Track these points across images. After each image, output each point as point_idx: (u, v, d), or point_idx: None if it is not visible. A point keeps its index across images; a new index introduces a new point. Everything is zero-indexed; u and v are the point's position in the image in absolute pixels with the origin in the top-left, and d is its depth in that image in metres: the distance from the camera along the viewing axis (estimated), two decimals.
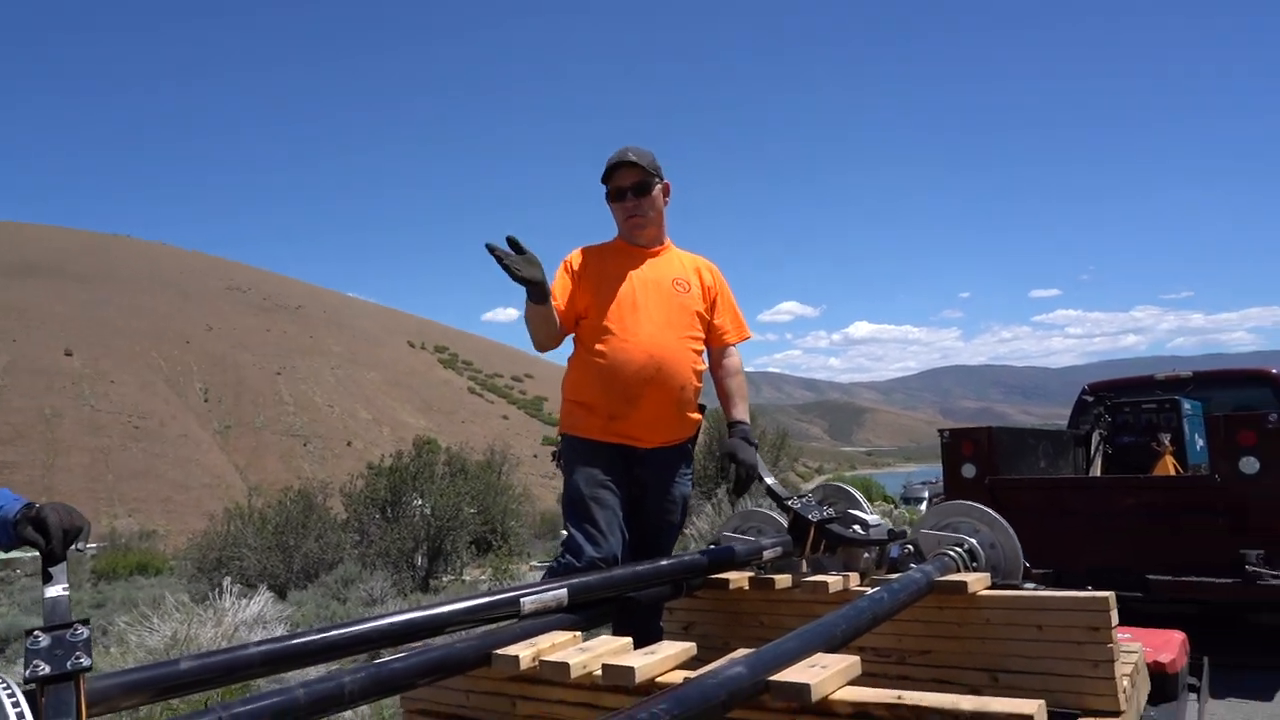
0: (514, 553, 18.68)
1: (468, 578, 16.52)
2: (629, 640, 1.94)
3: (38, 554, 1.71)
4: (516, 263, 2.55)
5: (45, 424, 72.05)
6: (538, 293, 2.65)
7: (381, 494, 17.73)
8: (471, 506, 18.58)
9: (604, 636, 2.05)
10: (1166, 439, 6.46)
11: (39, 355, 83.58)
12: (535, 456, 74.74)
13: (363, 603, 11.88)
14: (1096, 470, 6.79)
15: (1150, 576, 4.83)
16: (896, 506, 23.86)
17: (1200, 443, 6.56)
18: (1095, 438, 6.92)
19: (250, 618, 6.45)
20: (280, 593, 12.79)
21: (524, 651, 1.91)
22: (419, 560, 16.55)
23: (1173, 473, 6.22)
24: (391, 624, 1.99)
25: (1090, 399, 7.26)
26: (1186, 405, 6.70)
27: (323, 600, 11.96)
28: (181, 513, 62.60)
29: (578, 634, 2.07)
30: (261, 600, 6.92)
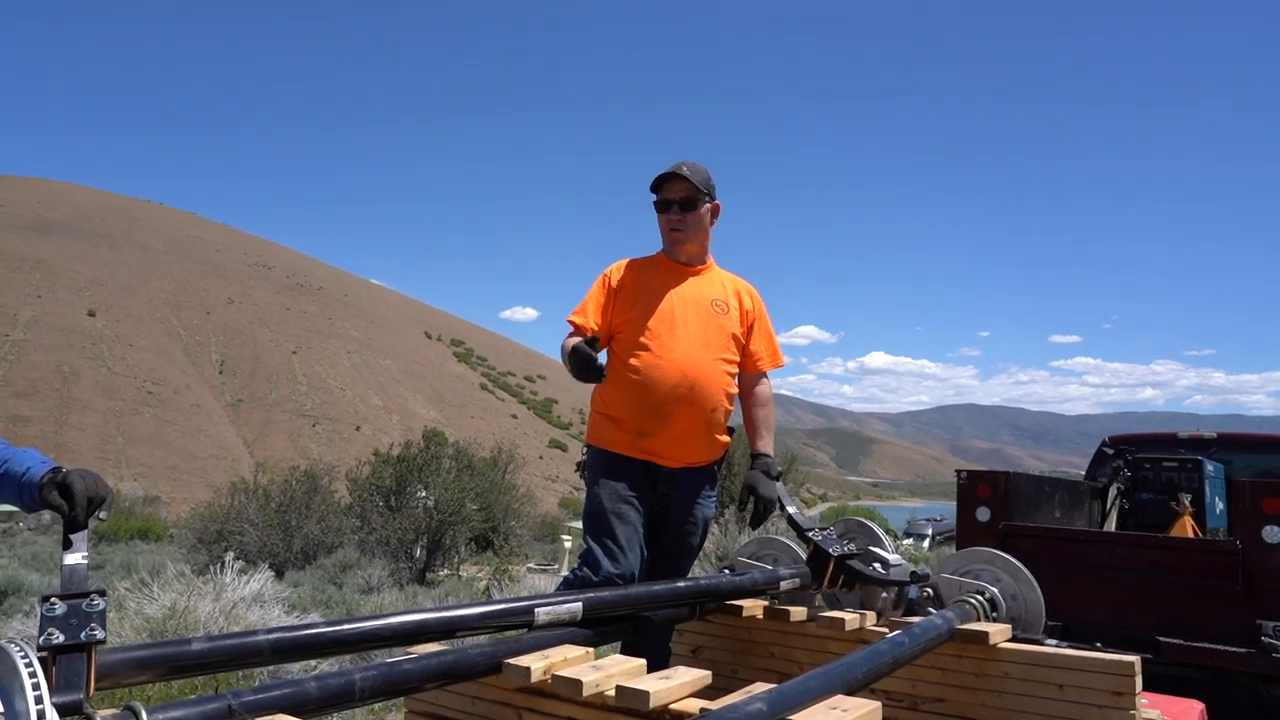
0: (514, 553, 18.65)
1: (465, 574, 16.50)
2: (643, 662, 1.90)
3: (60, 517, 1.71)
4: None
5: (62, 381, 72.75)
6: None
7: (387, 482, 17.76)
8: (474, 503, 18.56)
9: (617, 656, 2.01)
10: (1187, 499, 6.36)
11: (62, 313, 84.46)
12: (541, 458, 74.81)
13: (359, 589, 11.88)
14: (1112, 525, 6.69)
15: (1163, 639, 4.74)
16: (898, 540, 23.69)
17: (1220, 506, 6.46)
18: (1113, 491, 6.83)
19: (249, 595, 6.45)
20: (278, 572, 12.81)
21: (536, 663, 1.88)
22: (418, 552, 16.54)
23: (1191, 535, 6.12)
24: (404, 623, 1.96)
25: (1110, 451, 7.16)
26: (1209, 467, 6.60)
27: (319, 584, 11.97)
28: (187, 481, 62.99)
29: (591, 650, 2.03)
30: (261, 579, 6.93)
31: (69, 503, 1.67)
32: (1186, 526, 6.19)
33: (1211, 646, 4.65)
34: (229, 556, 7.11)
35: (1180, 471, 6.64)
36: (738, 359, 2.96)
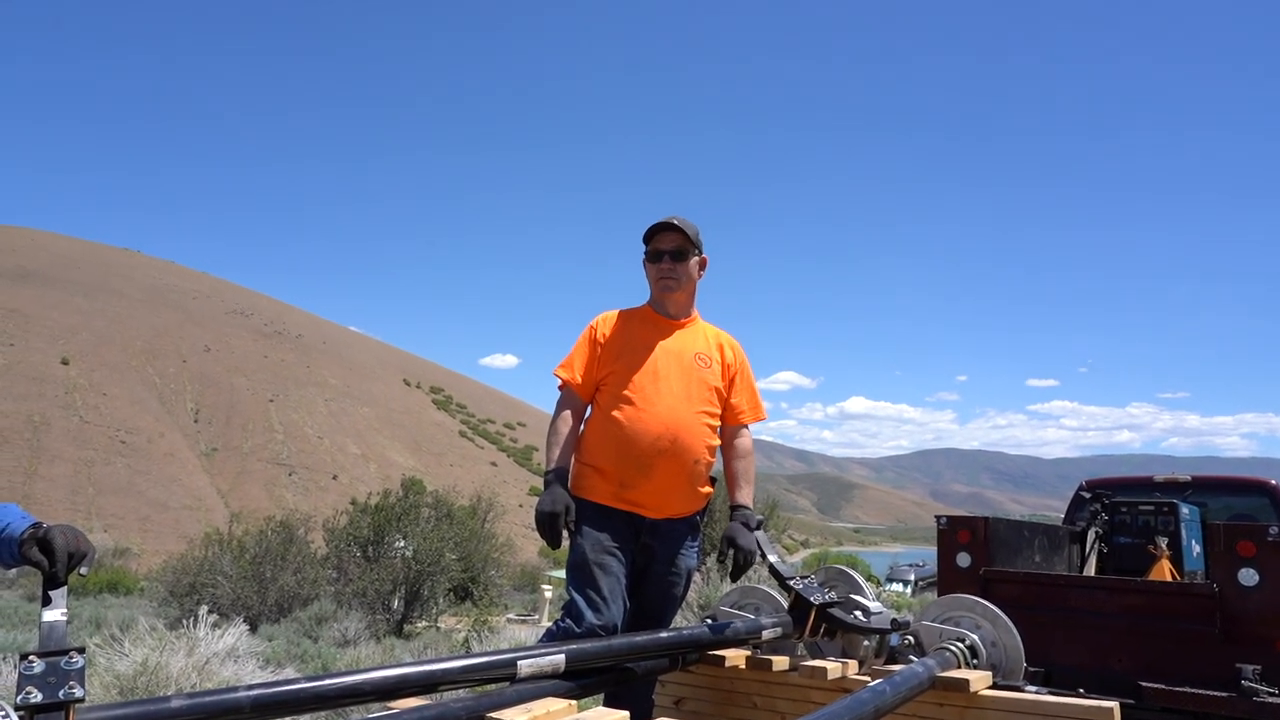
0: (492, 603, 18.38)
1: (443, 626, 16.22)
2: (626, 714, 1.90)
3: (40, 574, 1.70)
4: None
5: (33, 430, 71.49)
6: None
7: (364, 532, 17.52)
8: (453, 553, 18.32)
9: (600, 709, 2.01)
10: (1164, 543, 6.41)
11: (35, 361, 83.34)
12: (521, 506, 74.04)
13: (335, 643, 11.65)
14: (1091, 569, 6.72)
15: (1144, 684, 4.75)
16: (880, 586, 23.59)
17: (1197, 549, 6.51)
18: (1091, 535, 6.87)
19: (223, 650, 6.31)
20: (252, 625, 12.54)
21: (519, 717, 1.88)
22: (396, 603, 16.26)
23: (1169, 578, 6.16)
24: (385, 677, 1.96)
25: (1087, 495, 7.22)
26: (1184, 510, 6.66)
27: (294, 637, 11.73)
28: (159, 532, 61.75)
29: (574, 703, 2.03)
30: (236, 633, 6.79)
31: (49, 559, 1.67)
32: (1164, 570, 6.23)
33: (1192, 691, 4.65)
34: (202, 610, 6.97)
35: (1156, 515, 6.70)
36: (719, 412, 2.99)
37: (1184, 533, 6.53)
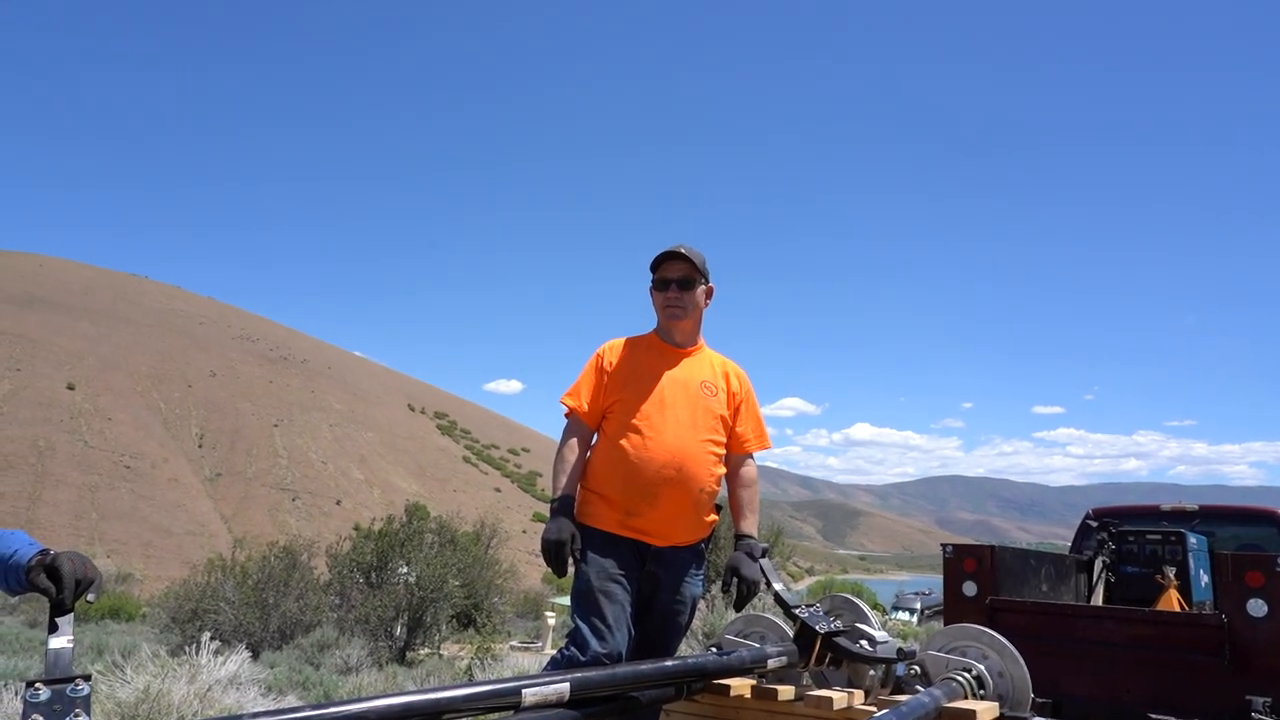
0: (496, 630, 18.26)
1: (446, 653, 16.11)
2: None
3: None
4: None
5: (37, 455, 71.56)
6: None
7: (367, 558, 17.47)
8: (457, 579, 18.25)
9: None
10: (1172, 572, 6.37)
11: (41, 386, 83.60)
12: (524, 532, 73.77)
13: (337, 670, 11.58)
14: (1099, 599, 6.68)
15: (1153, 715, 4.70)
16: (886, 615, 23.38)
17: (1205, 579, 6.46)
18: (1098, 565, 6.83)
19: (225, 677, 6.29)
20: (254, 652, 12.48)
21: None
22: (398, 630, 16.17)
23: (1177, 608, 6.11)
24: (389, 705, 1.95)
25: (1094, 524, 7.19)
26: (1192, 539, 6.63)
27: (296, 664, 11.66)
28: (162, 558, 61.56)
29: None
30: (238, 660, 6.77)
31: (57, 585, 1.68)
32: (1172, 600, 6.19)
33: None
34: (204, 637, 6.95)
35: (1164, 544, 6.67)
36: (725, 440, 3.00)
37: (1192, 562, 6.50)
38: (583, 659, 2.55)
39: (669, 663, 2.50)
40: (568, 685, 2.16)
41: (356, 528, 19.21)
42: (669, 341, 3.05)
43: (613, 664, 2.50)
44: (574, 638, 2.65)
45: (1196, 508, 7.41)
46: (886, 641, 2.68)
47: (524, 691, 2.10)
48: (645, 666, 2.41)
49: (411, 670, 11.86)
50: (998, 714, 2.37)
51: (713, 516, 2.95)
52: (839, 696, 2.49)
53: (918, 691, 2.50)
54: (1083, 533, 7.32)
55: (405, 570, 17.09)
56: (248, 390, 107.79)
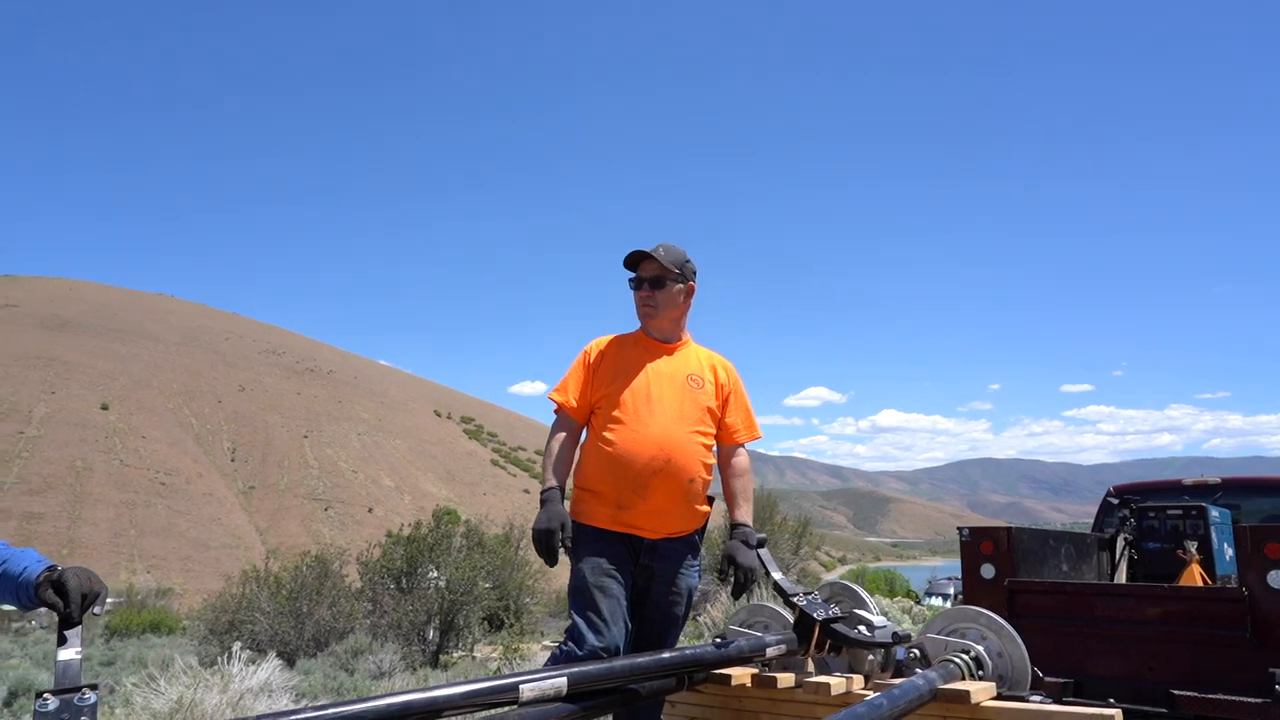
0: (525, 631, 18.39)
1: (478, 654, 16.26)
2: None
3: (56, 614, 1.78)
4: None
5: (75, 476, 72.95)
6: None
7: (397, 564, 17.64)
8: (487, 581, 18.40)
9: None
10: (1193, 547, 6.31)
11: (76, 408, 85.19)
12: None
13: (370, 675, 11.73)
14: (1122, 576, 6.63)
15: (1175, 691, 4.67)
16: (919, 602, 23.22)
17: (1230, 552, 6.39)
18: (1120, 542, 6.78)
19: (256, 685, 6.42)
20: (290, 660, 12.68)
21: None
22: (430, 634, 16.34)
23: (1199, 583, 6.05)
24: (388, 705, 2.01)
25: (1115, 501, 7.13)
26: (1214, 513, 6.55)
27: (331, 670, 11.83)
28: (200, 572, 62.54)
29: None
30: (269, 668, 6.89)
31: (64, 600, 1.75)
32: (1195, 575, 6.13)
33: (1225, 698, 4.57)
34: (235, 646, 7.09)
35: (1185, 519, 6.60)
36: (713, 431, 3.05)
37: (1215, 536, 6.42)
38: (580, 654, 2.61)
39: (666, 654, 2.55)
40: (565, 680, 2.21)
41: (389, 534, 19.40)
42: (654, 337, 3.11)
43: (610, 657, 2.55)
44: (571, 633, 2.71)
45: (1219, 480, 7.32)
46: (884, 626, 2.71)
47: (521, 687, 2.15)
48: (642, 659, 2.46)
49: (445, 673, 12.00)
50: (994, 694, 2.39)
51: (705, 507, 3.00)
52: (837, 682, 2.53)
53: (917, 674, 2.53)
54: (1104, 510, 7.27)
55: (435, 574, 17.25)
56: (276, 403, 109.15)
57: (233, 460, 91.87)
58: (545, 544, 2.76)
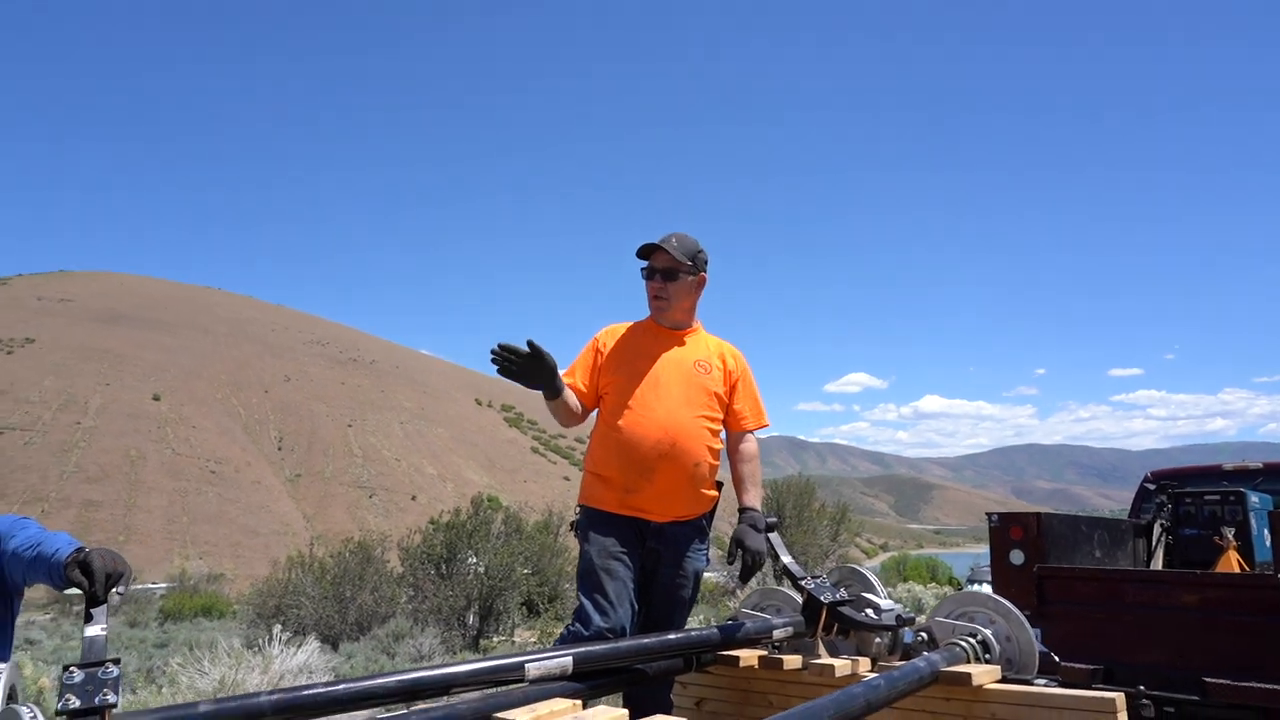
0: (560, 616, 18.61)
1: (518, 639, 16.50)
2: (625, 713, 1.99)
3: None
4: (516, 368, 2.76)
5: (130, 465, 75.15)
6: (548, 392, 2.86)
7: (438, 550, 17.93)
8: (525, 567, 18.62)
9: (602, 707, 2.10)
10: (1230, 533, 6.19)
11: (129, 399, 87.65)
12: None
13: (410, 659, 11.97)
14: (1158, 563, 6.53)
15: (1208, 679, 4.61)
16: (960, 590, 22.97)
17: (1269, 539, 6.27)
18: (1157, 529, 6.67)
19: (296, 666, 6.62)
20: (333, 644, 12.99)
21: (523, 717, 1.98)
22: (470, 619, 16.61)
23: (1235, 570, 5.95)
24: (399, 681, 2.09)
25: (1152, 487, 7.01)
26: (1254, 498, 6.41)
27: (372, 654, 12.10)
28: (249, 558, 64.13)
29: (577, 703, 2.13)
30: (309, 650, 7.10)
31: (89, 579, 1.86)
32: (1231, 561, 6.02)
33: (1258, 686, 4.50)
34: (276, 629, 7.31)
35: (1223, 505, 6.47)
36: (720, 416, 3.09)
37: (1254, 522, 6.30)
38: (586, 634, 2.67)
39: (671, 636, 2.60)
40: (570, 659, 2.28)
41: (431, 521, 19.74)
42: (664, 325, 3.15)
43: (615, 638, 2.61)
44: (578, 614, 2.77)
45: (1260, 465, 7.16)
46: (891, 609, 2.73)
47: (528, 666, 2.22)
48: (647, 639, 2.52)
49: (483, 656, 12.16)
50: (999, 677, 2.40)
51: (712, 491, 3.04)
52: (842, 664, 2.55)
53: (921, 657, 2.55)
54: (1141, 496, 7.15)
55: (474, 560, 17.51)
56: (321, 392, 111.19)
57: (279, 449, 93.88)
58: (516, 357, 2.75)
